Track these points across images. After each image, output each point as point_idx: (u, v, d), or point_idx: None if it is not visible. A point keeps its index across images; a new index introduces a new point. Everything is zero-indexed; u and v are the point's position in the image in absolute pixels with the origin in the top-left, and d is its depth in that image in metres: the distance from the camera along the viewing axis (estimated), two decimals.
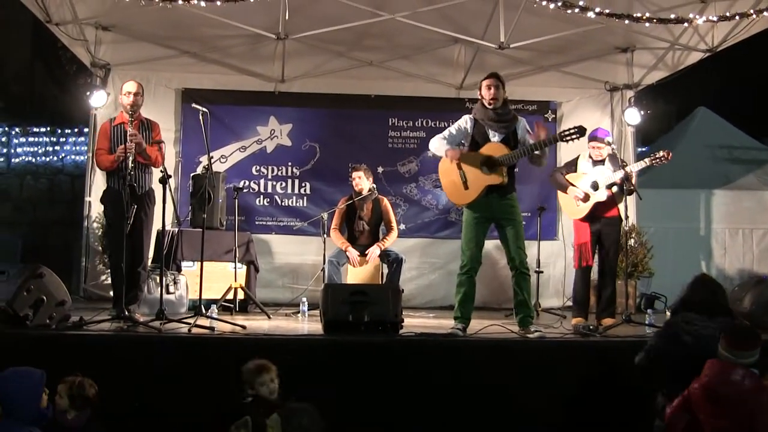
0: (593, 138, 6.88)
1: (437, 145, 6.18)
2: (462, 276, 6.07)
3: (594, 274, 7.06)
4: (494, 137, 6.06)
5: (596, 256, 6.95)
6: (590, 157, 6.93)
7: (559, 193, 7.14)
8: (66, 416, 4.23)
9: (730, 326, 4.19)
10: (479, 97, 6.16)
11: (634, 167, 6.76)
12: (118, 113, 6.79)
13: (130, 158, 6.14)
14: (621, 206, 6.76)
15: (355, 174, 8.05)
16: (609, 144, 6.92)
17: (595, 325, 6.45)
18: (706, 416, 3.87)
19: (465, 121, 6.20)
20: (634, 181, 6.71)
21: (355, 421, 4.79)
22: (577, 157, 7.08)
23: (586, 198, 6.76)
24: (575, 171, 6.97)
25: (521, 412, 5.19)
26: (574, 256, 6.99)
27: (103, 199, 6.68)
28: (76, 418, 4.24)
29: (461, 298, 6.06)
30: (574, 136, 5.85)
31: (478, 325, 6.20)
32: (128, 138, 6.17)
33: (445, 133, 6.23)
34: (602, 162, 6.87)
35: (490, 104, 6.04)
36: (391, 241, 7.98)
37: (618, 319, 6.60)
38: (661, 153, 6.64)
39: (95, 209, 8.80)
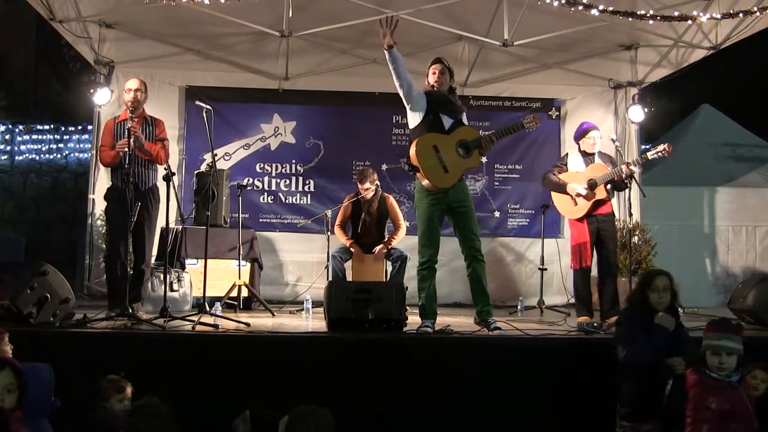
0: (589, 129, 6.90)
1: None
2: (425, 270, 5.92)
3: (594, 272, 7.04)
4: (446, 122, 5.96)
5: (595, 255, 6.92)
6: (581, 152, 6.93)
7: (554, 195, 7.09)
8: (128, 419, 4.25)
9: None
10: (426, 84, 6.09)
11: (634, 162, 6.73)
12: (122, 111, 6.81)
13: (128, 153, 6.18)
14: (614, 201, 6.78)
15: (362, 186, 7.95)
16: (613, 141, 6.93)
17: (599, 323, 6.45)
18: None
19: (421, 93, 6.04)
20: (637, 177, 6.69)
21: (359, 418, 4.79)
22: (566, 155, 7.09)
23: (590, 195, 6.72)
24: (566, 170, 6.96)
25: (525, 410, 5.19)
26: (572, 256, 6.95)
27: (107, 196, 6.68)
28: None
29: (428, 294, 5.90)
30: (532, 123, 6.02)
31: None
32: (130, 133, 6.22)
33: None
34: (592, 156, 6.87)
35: (434, 87, 5.99)
36: (399, 239, 7.99)
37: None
38: (662, 147, 6.64)
39: (99, 207, 8.79)
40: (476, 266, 5.95)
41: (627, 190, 7.11)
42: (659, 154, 6.66)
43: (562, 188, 6.87)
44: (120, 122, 6.51)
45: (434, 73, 6.01)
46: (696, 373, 4.07)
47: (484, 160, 8.79)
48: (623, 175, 6.64)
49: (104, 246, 8.67)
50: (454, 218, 6.03)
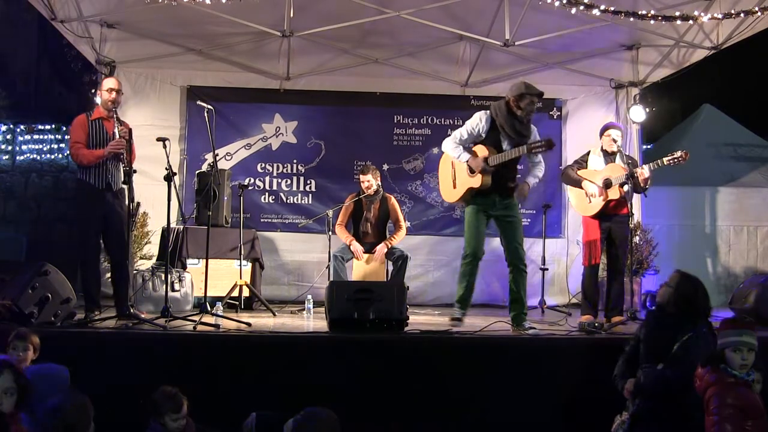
0: (609, 127, 6.92)
1: (452, 151, 6.26)
2: (467, 266, 6.20)
3: (601, 272, 7.04)
4: (505, 145, 6.12)
5: (604, 254, 6.93)
6: (602, 150, 6.92)
7: (570, 190, 7.11)
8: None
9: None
10: (508, 100, 6.12)
11: (648, 167, 6.69)
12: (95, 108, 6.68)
13: (123, 154, 6.19)
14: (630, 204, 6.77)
15: (363, 177, 8.01)
16: (614, 141, 6.92)
17: (601, 322, 6.45)
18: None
19: (480, 120, 6.18)
20: (649, 181, 6.69)
21: (361, 418, 4.79)
22: (587, 153, 7.08)
23: (603, 193, 6.71)
24: (586, 167, 6.96)
25: (526, 410, 5.20)
26: (582, 253, 6.97)
27: (78, 195, 6.52)
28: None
29: (466, 286, 6.21)
30: (541, 149, 6.03)
31: (483, 322, 6.21)
32: (120, 136, 6.22)
33: (459, 135, 6.26)
34: (613, 156, 6.86)
35: (522, 116, 6.08)
36: (399, 239, 7.98)
37: (623, 316, 6.62)
38: (679, 153, 6.58)
39: None
40: (517, 276, 6.17)
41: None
42: (675, 160, 6.60)
43: (577, 183, 6.89)
44: (95, 120, 6.41)
45: (532, 104, 6.08)
46: (714, 372, 4.04)
47: None
48: (635, 177, 6.63)
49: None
50: (501, 228, 6.26)
